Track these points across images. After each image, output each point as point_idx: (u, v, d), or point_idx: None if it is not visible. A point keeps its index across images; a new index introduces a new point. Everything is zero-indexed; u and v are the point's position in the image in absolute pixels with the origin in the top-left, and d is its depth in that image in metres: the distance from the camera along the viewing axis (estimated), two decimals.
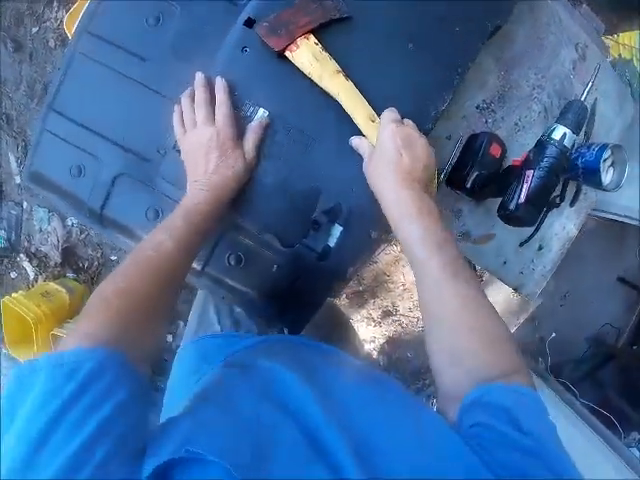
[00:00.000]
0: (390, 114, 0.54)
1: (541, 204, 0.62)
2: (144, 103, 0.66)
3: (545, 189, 0.60)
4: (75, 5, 1.17)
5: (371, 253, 0.66)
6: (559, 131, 0.60)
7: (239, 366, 0.52)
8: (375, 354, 2.09)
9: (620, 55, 1.54)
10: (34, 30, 1.70)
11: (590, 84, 0.66)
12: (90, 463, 0.28)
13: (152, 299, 0.44)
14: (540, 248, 0.96)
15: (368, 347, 2.08)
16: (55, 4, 1.67)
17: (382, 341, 2.10)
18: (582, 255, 2.14)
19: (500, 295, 2.09)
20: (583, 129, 0.70)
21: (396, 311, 2.07)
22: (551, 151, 0.59)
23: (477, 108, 0.79)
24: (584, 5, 1.04)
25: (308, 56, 0.54)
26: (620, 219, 1.85)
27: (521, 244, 0.90)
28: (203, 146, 0.56)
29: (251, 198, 0.62)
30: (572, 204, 0.92)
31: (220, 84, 0.58)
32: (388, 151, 0.51)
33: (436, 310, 0.45)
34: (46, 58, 1.71)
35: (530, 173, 0.59)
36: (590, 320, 2.32)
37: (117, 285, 0.43)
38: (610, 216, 1.88)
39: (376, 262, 1.97)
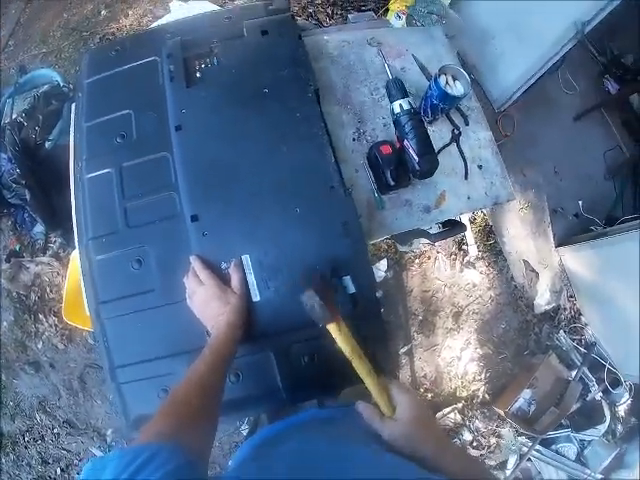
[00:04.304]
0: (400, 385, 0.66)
1: (430, 150, 0.82)
2: (175, 313, 0.81)
3: (423, 139, 0.81)
4: (64, 299, 1.39)
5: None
6: (396, 106, 0.84)
7: (272, 445, 0.67)
8: (479, 350, 2.12)
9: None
10: (39, 345, 1.94)
11: (386, 65, 0.91)
12: None
13: (195, 407, 0.59)
14: (480, 167, 1.10)
15: (468, 352, 2.11)
16: (40, 316, 1.94)
17: (474, 336, 2.13)
18: (531, 133, 2.33)
19: (514, 219, 2.20)
20: (427, 79, 0.89)
21: (460, 307, 2.14)
22: (403, 120, 0.82)
23: (354, 140, 1.03)
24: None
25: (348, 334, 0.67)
26: (517, 90, 2.09)
27: (466, 177, 1.07)
28: (202, 302, 0.76)
29: (284, 314, 0.79)
30: (467, 123, 1.14)
31: (193, 259, 0.80)
32: (422, 424, 0.61)
33: None
34: (65, 358, 1.93)
35: (406, 142, 0.80)
36: (591, 163, 2.42)
37: (169, 399, 0.60)
38: (512, 96, 2.13)
39: (412, 290, 2.09)
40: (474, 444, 1.98)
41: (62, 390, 1.93)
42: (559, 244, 2.20)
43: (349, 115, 1.04)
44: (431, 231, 1.07)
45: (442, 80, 0.99)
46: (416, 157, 0.78)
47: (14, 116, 1.87)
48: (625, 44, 2.58)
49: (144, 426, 0.54)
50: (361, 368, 0.64)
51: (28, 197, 1.73)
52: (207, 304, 0.76)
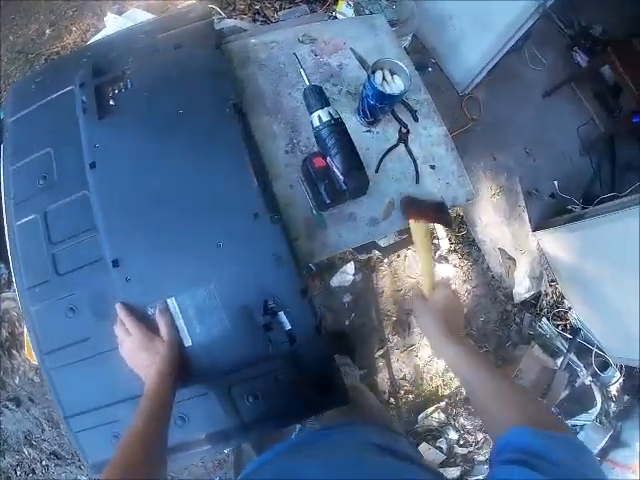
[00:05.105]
0: (446, 283, 0.79)
1: (357, 165, 0.73)
2: (113, 360, 0.77)
3: (347, 154, 0.72)
4: (25, 339, 1.39)
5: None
6: (315, 118, 0.72)
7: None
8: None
9: None
10: (17, 380, 1.91)
11: (302, 70, 0.80)
12: None
13: (138, 457, 0.60)
14: (433, 167, 1.01)
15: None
16: (14, 351, 1.90)
17: None
18: (498, 114, 2.24)
19: (487, 207, 2.14)
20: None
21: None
22: (323, 134, 0.72)
23: (287, 152, 0.93)
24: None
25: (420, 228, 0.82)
26: (481, 70, 2.01)
27: (417, 181, 0.98)
28: (131, 353, 0.74)
29: (220, 356, 0.75)
30: (415, 119, 1.03)
31: (118, 308, 0.76)
32: (445, 314, 0.72)
33: (483, 396, 0.60)
34: (42, 391, 1.90)
35: (328, 159, 0.72)
36: (565, 140, 2.36)
37: (117, 449, 0.60)
38: (476, 77, 2.06)
39: (383, 291, 1.97)
40: (460, 442, 1.95)
41: (44, 423, 1.91)
42: (536, 228, 2.14)
43: (280, 125, 0.96)
44: (381, 243, 1.01)
45: (378, 77, 0.89)
46: (341, 176, 0.70)
47: None
48: (592, 15, 2.51)
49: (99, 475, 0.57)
50: (423, 254, 0.79)
51: None
52: (136, 354, 0.74)
